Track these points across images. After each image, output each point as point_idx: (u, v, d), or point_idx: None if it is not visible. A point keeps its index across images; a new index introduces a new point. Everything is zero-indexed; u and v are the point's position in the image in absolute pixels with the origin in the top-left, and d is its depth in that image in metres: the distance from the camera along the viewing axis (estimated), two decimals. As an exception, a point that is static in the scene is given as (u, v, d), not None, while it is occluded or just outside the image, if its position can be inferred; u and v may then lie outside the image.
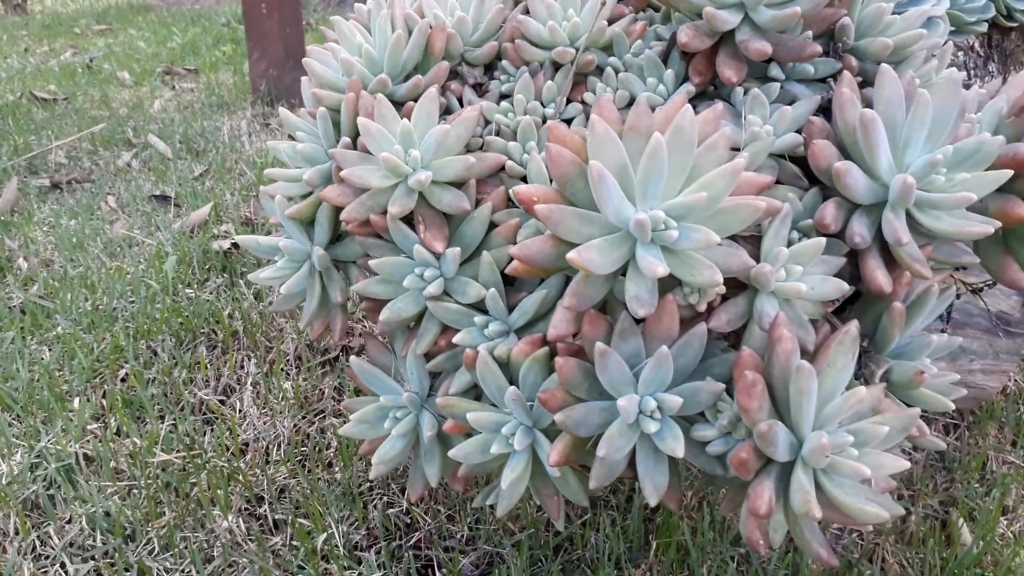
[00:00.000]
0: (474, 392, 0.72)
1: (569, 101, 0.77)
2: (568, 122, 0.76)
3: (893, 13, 0.72)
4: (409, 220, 0.71)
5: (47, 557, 1.00)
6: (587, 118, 0.70)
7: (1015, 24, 1.01)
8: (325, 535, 1.02)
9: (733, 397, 0.58)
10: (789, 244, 0.62)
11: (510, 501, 0.68)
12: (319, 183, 0.75)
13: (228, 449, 1.18)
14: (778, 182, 0.68)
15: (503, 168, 0.72)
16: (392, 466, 0.76)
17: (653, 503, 0.60)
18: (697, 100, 0.73)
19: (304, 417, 1.24)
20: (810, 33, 0.70)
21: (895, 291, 0.64)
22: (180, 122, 2.68)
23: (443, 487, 1.10)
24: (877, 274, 0.62)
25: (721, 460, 0.61)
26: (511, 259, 0.61)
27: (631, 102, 0.73)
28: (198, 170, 2.24)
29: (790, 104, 0.70)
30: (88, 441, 1.17)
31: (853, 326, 0.58)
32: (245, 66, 3.25)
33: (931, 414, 1.25)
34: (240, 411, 1.25)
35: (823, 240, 0.61)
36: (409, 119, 0.70)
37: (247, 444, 1.19)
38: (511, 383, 0.66)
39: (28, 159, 2.33)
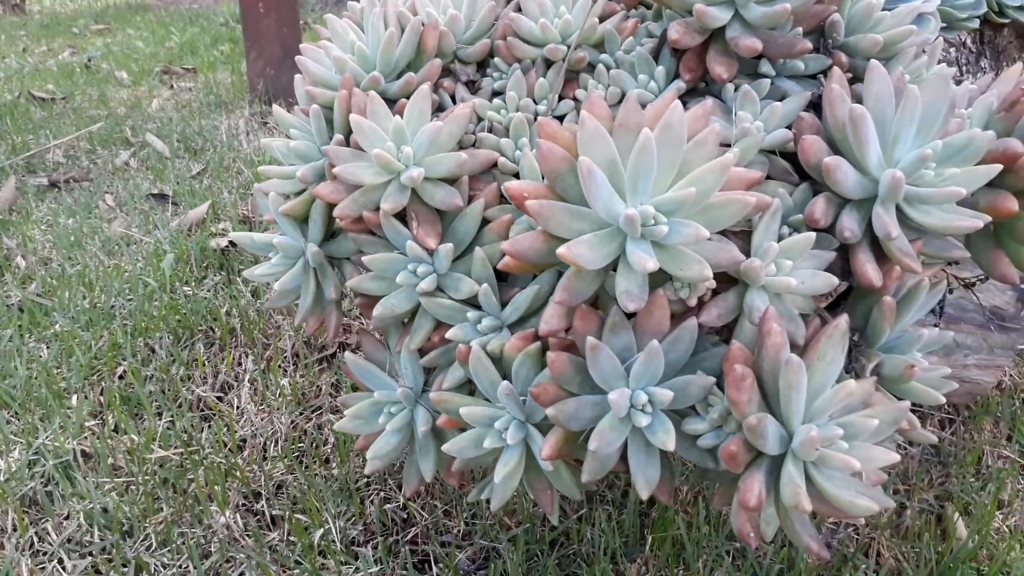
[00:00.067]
0: (468, 387, 0.72)
1: (561, 98, 0.77)
2: (560, 119, 0.76)
3: (883, 9, 0.72)
4: (402, 216, 0.71)
5: (45, 553, 1.01)
6: (579, 115, 0.70)
7: (1007, 20, 1.01)
8: (322, 531, 1.03)
9: (724, 391, 0.58)
10: (779, 239, 0.62)
11: (503, 495, 0.68)
12: (312, 180, 0.75)
13: (225, 445, 1.18)
14: (768, 177, 0.68)
15: (496, 165, 0.73)
16: (387, 461, 0.76)
17: (645, 496, 0.60)
18: (688, 97, 0.73)
19: (301, 413, 1.24)
20: (800, 29, 0.71)
21: (885, 285, 0.65)
22: (178, 121, 2.68)
23: (439, 483, 1.10)
24: (867, 268, 0.63)
25: (712, 453, 0.61)
26: (503, 255, 0.61)
27: (622, 99, 0.73)
28: (196, 169, 2.24)
29: (780, 100, 0.70)
30: (86, 438, 1.18)
31: (843, 320, 0.59)
32: (243, 65, 3.25)
33: (926, 409, 1.26)
34: (238, 408, 1.26)
35: (813, 235, 0.61)
36: (402, 116, 0.70)
37: (244, 440, 1.20)
38: (504, 378, 0.66)
39: (26, 158, 2.33)
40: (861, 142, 0.61)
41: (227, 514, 1.05)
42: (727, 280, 0.62)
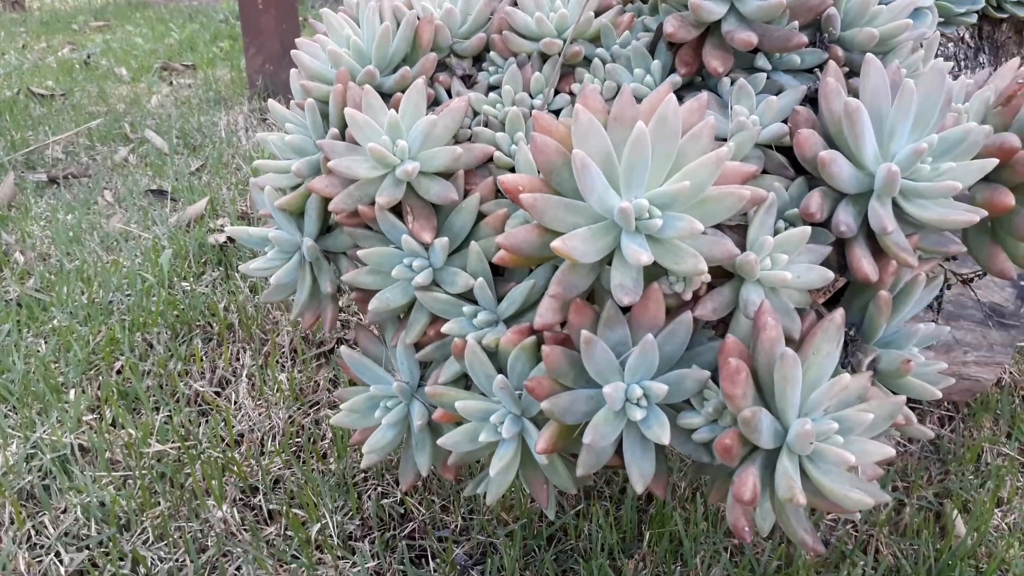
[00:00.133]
0: (463, 381, 0.72)
1: (557, 92, 0.77)
2: (556, 113, 0.76)
3: (879, 3, 0.72)
4: (397, 211, 0.71)
5: (42, 546, 1.01)
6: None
7: (1005, 15, 1.01)
8: (319, 525, 1.03)
9: (719, 385, 0.58)
10: (775, 233, 0.62)
11: (499, 489, 0.68)
12: (308, 174, 0.75)
13: (223, 440, 1.18)
14: (764, 172, 0.68)
15: (491, 159, 0.73)
16: (383, 455, 0.76)
17: (640, 490, 0.60)
18: (684, 91, 0.73)
19: (299, 409, 1.24)
20: (796, 23, 0.70)
21: (882, 280, 0.64)
22: (177, 117, 2.68)
23: (436, 478, 1.10)
24: (863, 263, 0.63)
25: (707, 448, 0.61)
26: (499, 249, 0.61)
27: (618, 93, 0.73)
28: (195, 165, 2.24)
29: (776, 94, 0.70)
30: (83, 432, 1.18)
31: (838, 314, 0.58)
32: (242, 62, 3.24)
33: (926, 406, 1.26)
34: (235, 403, 1.26)
35: (808, 228, 0.61)
36: (397, 110, 0.70)
37: (242, 435, 1.20)
38: (500, 372, 0.66)
39: (25, 154, 2.33)
40: (857, 136, 0.61)
41: (224, 508, 1.05)
42: (722, 274, 0.62)
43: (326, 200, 0.73)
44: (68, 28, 4.60)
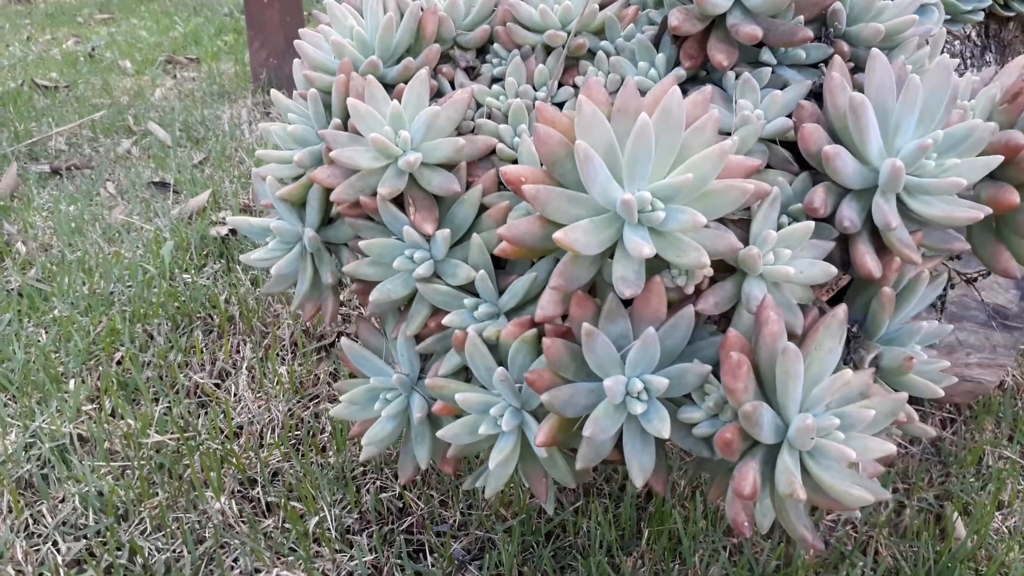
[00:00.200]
0: (464, 374, 0.72)
1: (561, 85, 0.77)
2: (560, 106, 0.76)
3: (886, -1, 0.72)
4: (399, 202, 0.71)
5: (40, 535, 1.01)
6: (578, 101, 0.70)
7: (1012, 14, 1.00)
8: (317, 518, 1.03)
9: (720, 380, 0.58)
10: (778, 228, 0.62)
11: (498, 482, 0.68)
12: (310, 165, 0.75)
13: (222, 432, 1.18)
14: (768, 166, 0.68)
15: (494, 151, 0.72)
16: (382, 447, 0.76)
17: (639, 484, 0.60)
18: (688, 84, 0.73)
19: (299, 402, 1.24)
20: (801, 18, 0.70)
21: (885, 276, 0.64)
22: (181, 110, 2.68)
23: (435, 473, 1.10)
24: (866, 259, 0.62)
25: (708, 442, 0.61)
26: (501, 241, 0.61)
27: (622, 85, 0.73)
28: (198, 158, 2.24)
29: (781, 89, 0.70)
30: (82, 422, 1.18)
31: (841, 310, 0.58)
32: (246, 56, 3.24)
33: (928, 408, 1.25)
34: (235, 395, 1.26)
35: (812, 223, 0.61)
36: (400, 101, 0.70)
37: (241, 427, 1.20)
38: (500, 365, 0.66)
39: (28, 145, 2.33)
40: (862, 130, 0.61)
41: (222, 500, 1.05)
42: (725, 268, 0.62)
43: (328, 190, 0.73)
44: (73, 21, 4.60)
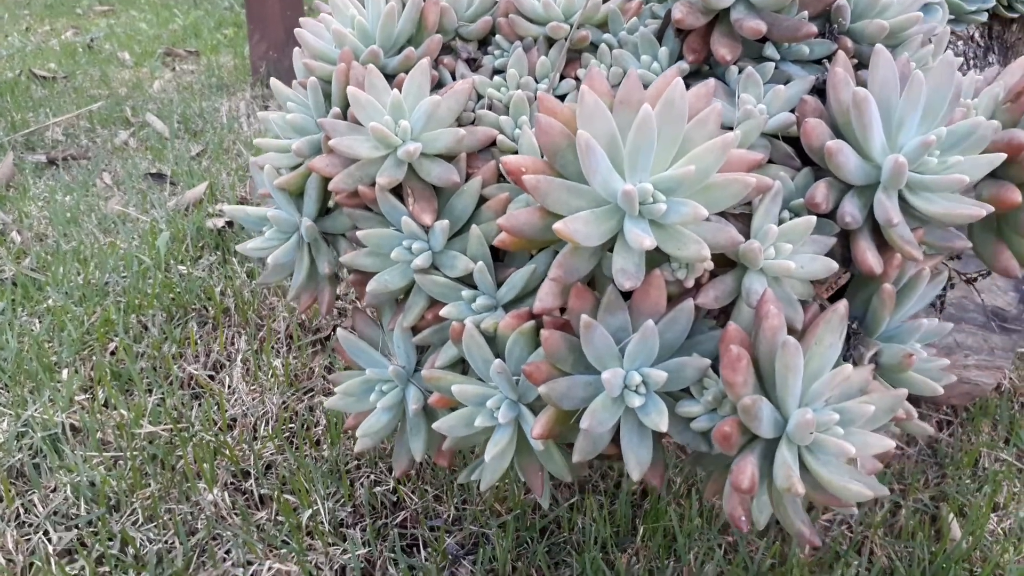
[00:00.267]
0: (461, 366, 0.71)
1: (563, 77, 0.76)
2: (562, 98, 0.75)
3: (890, -5, 0.71)
4: (398, 192, 0.70)
5: (30, 525, 1.00)
6: (580, 93, 0.69)
7: (1016, 15, 1.00)
8: (310, 511, 1.02)
9: (719, 374, 0.57)
10: (780, 223, 0.62)
11: (493, 475, 0.67)
12: (308, 154, 0.74)
13: (215, 423, 1.17)
14: (770, 161, 0.67)
15: (494, 143, 0.72)
16: (377, 439, 0.75)
17: (636, 478, 0.60)
18: (691, 79, 0.72)
19: (293, 395, 1.24)
20: (806, 14, 0.70)
21: (886, 273, 0.64)
22: (179, 102, 2.67)
23: (430, 467, 1.10)
24: (867, 255, 0.62)
25: (706, 437, 0.60)
26: (500, 232, 0.60)
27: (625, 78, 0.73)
28: (195, 150, 2.23)
29: (785, 84, 0.69)
30: (75, 412, 1.17)
31: (842, 305, 0.58)
32: (246, 49, 3.23)
33: (925, 409, 1.25)
34: (229, 387, 1.25)
35: (813, 219, 0.60)
36: (400, 91, 0.69)
37: (235, 419, 1.19)
38: (498, 357, 0.65)
39: (25, 135, 2.32)
40: (865, 126, 0.60)
41: (215, 492, 1.05)
42: (725, 263, 0.61)
43: (326, 180, 0.72)
44: (72, 12, 4.58)
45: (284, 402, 1.22)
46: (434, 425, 0.68)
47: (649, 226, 0.55)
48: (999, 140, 0.63)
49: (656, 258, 0.59)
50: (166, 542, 0.98)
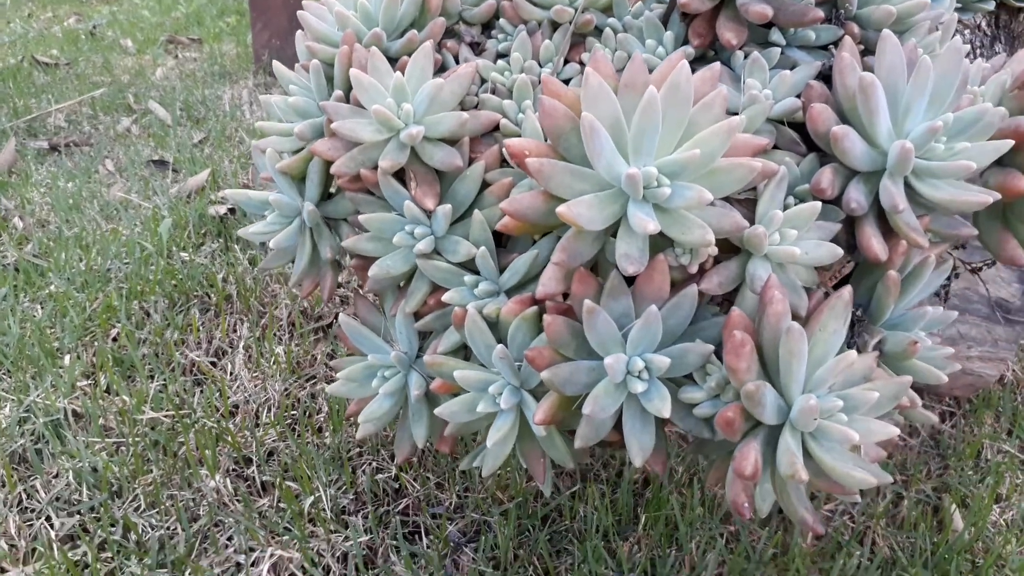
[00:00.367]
0: (463, 352, 0.71)
1: (567, 62, 0.76)
2: (566, 83, 0.75)
3: (898, -19, 0.71)
4: (400, 176, 0.70)
5: (33, 510, 1.00)
6: (584, 77, 0.69)
7: (1023, 4, 0.99)
8: (312, 498, 1.02)
9: (722, 361, 0.57)
10: (785, 209, 0.61)
11: (495, 461, 0.67)
12: (310, 137, 0.74)
13: (218, 410, 1.17)
14: (776, 147, 0.67)
15: (498, 127, 0.72)
16: (379, 425, 0.75)
17: (638, 463, 0.59)
18: (696, 64, 0.71)
19: (295, 382, 1.23)
20: (813, -2, 0.69)
21: (891, 260, 0.63)
22: (181, 90, 2.67)
23: (432, 455, 1.09)
24: (873, 242, 0.61)
25: (708, 423, 0.60)
26: (503, 217, 0.60)
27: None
28: (198, 137, 2.23)
29: (790, 70, 0.69)
30: (77, 398, 1.17)
31: (846, 291, 0.57)
32: (248, 37, 3.22)
33: (928, 401, 1.25)
34: (231, 373, 1.25)
35: (818, 204, 0.60)
36: (403, 74, 0.69)
37: (237, 406, 1.19)
38: (500, 343, 0.65)
39: (27, 121, 2.32)
40: (871, 111, 0.60)
41: (217, 478, 1.04)
42: (729, 248, 0.61)
43: (328, 164, 0.72)
44: (75, -1, 4.57)
45: (286, 389, 1.22)
46: (436, 411, 0.67)
47: (653, 210, 0.55)
48: (1006, 127, 0.62)
49: (660, 243, 0.59)
50: (168, 528, 0.98)
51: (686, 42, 0.71)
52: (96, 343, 1.29)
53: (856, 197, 0.61)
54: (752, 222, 0.60)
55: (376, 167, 0.68)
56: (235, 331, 1.34)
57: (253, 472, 1.07)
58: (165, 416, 1.14)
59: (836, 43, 0.71)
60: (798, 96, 0.67)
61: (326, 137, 0.71)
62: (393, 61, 0.73)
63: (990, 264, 0.92)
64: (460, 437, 0.92)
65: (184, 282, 1.44)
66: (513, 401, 0.64)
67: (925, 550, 0.99)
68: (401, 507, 1.04)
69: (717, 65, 0.61)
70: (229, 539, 0.98)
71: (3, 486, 1.02)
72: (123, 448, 1.09)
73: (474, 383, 0.65)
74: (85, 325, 1.32)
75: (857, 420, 0.55)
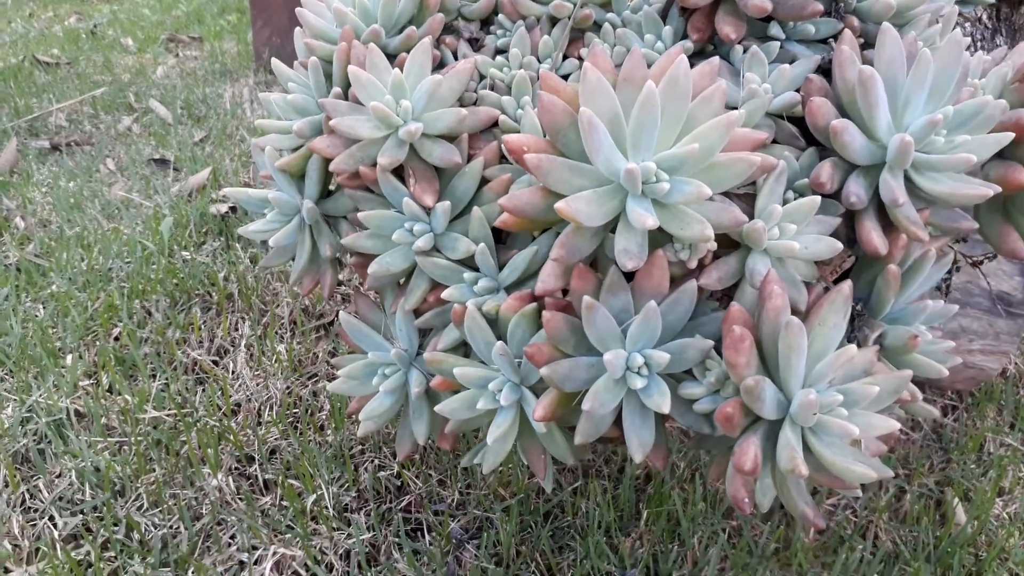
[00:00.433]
0: (463, 349, 0.71)
1: (566, 57, 0.76)
2: (564, 78, 0.74)
3: (898, -27, 0.70)
4: (399, 173, 0.70)
5: (36, 510, 1.00)
6: (583, 73, 0.68)
7: (1024, -4, 0.99)
8: (315, 496, 1.02)
9: (722, 356, 0.57)
10: (784, 203, 0.61)
11: (496, 458, 0.67)
12: (309, 134, 0.74)
13: (220, 409, 1.17)
14: (775, 141, 0.67)
15: (496, 123, 0.71)
16: (380, 422, 0.75)
17: (638, 459, 0.59)
18: (695, 58, 0.71)
19: (297, 380, 1.23)
20: (812, -9, 0.69)
21: (891, 254, 0.63)
22: (182, 88, 2.67)
23: (434, 452, 1.10)
24: (873, 236, 0.61)
25: (708, 419, 0.60)
26: (502, 212, 0.60)
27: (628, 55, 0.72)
28: (199, 135, 2.23)
29: (790, 64, 0.69)
30: (79, 397, 1.17)
31: (846, 285, 0.57)
32: (249, 35, 3.22)
33: (930, 395, 1.25)
34: (233, 372, 1.25)
35: (818, 198, 0.60)
36: (402, 71, 0.68)
37: (239, 405, 1.19)
38: (500, 339, 0.65)
39: (29, 121, 2.32)
40: (871, 105, 0.60)
41: (219, 477, 1.05)
42: (729, 244, 0.61)
43: (327, 161, 0.72)
44: (75, -2, 4.58)
45: (288, 387, 1.22)
46: (436, 408, 0.67)
47: (652, 205, 0.55)
48: (1007, 120, 0.62)
49: (659, 238, 0.58)
50: (171, 527, 0.98)
51: (685, 37, 0.71)
52: (98, 342, 1.29)
53: (856, 191, 0.61)
54: (751, 217, 0.60)
55: (375, 164, 0.68)
56: (237, 329, 1.34)
57: (255, 470, 1.07)
58: (167, 415, 1.15)
59: (835, 37, 0.71)
60: (797, 90, 0.67)
61: (325, 134, 0.71)
62: (392, 58, 0.73)
63: (991, 257, 0.91)
64: (461, 434, 0.92)
65: (185, 281, 1.44)
66: (513, 398, 0.64)
67: (928, 544, 0.99)
68: (403, 504, 1.04)
69: (716, 59, 0.60)
70: (232, 538, 0.98)
71: (6, 486, 1.02)
72: (125, 447, 1.09)
73: (474, 380, 0.65)
74: (87, 325, 1.32)
75: (857, 414, 0.55)
